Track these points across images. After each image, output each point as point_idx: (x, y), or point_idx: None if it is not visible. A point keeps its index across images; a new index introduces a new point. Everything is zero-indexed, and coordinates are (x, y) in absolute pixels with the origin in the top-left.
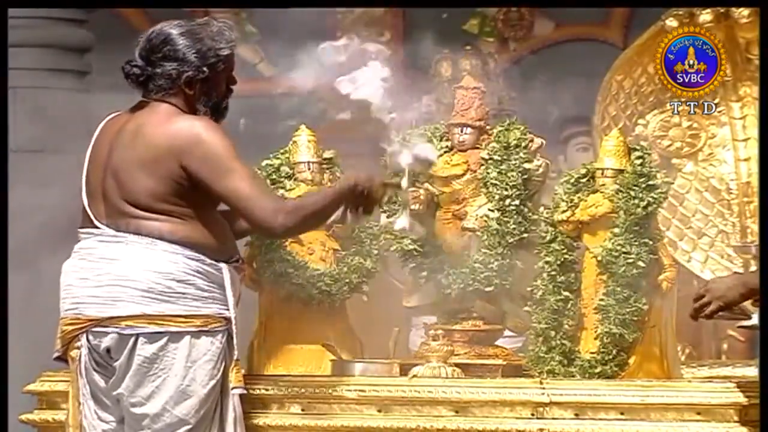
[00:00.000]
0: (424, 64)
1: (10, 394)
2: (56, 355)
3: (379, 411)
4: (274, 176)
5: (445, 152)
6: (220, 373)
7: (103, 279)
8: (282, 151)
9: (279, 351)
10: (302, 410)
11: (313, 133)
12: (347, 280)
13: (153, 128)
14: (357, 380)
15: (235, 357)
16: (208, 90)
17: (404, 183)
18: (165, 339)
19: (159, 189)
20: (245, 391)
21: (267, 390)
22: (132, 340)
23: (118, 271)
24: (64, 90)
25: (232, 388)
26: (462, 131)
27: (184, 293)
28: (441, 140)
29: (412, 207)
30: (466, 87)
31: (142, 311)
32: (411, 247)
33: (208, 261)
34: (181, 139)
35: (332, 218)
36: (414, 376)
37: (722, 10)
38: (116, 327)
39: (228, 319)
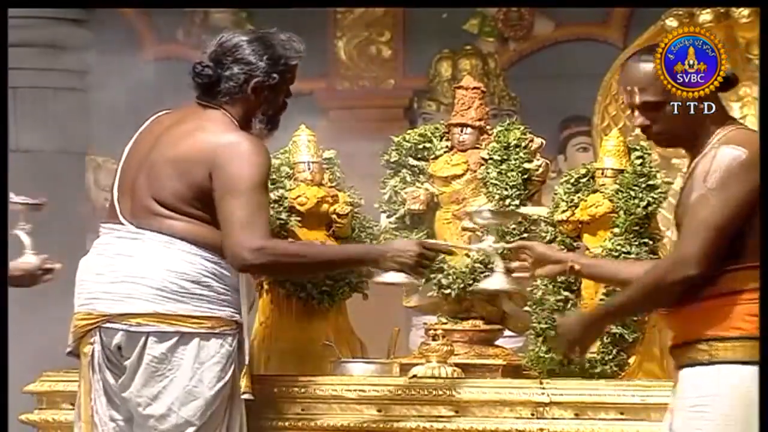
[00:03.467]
0: (424, 64)
1: (11, 394)
2: (68, 350)
3: (379, 411)
4: (274, 176)
5: (445, 152)
6: (228, 376)
7: (117, 275)
8: (282, 151)
9: (279, 351)
10: (302, 410)
11: (312, 133)
12: (347, 280)
13: (206, 134)
14: (357, 380)
15: (245, 362)
16: (271, 98)
17: (488, 241)
18: (175, 339)
19: (186, 191)
20: (252, 398)
21: (267, 390)
22: (143, 339)
23: (133, 268)
24: (64, 90)
25: (242, 394)
26: (462, 131)
27: (197, 294)
28: (441, 140)
29: (412, 207)
30: (466, 87)
31: (153, 309)
32: None
33: (224, 264)
34: (223, 149)
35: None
36: (414, 376)
37: (722, 10)
38: (126, 324)
39: (239, 324)
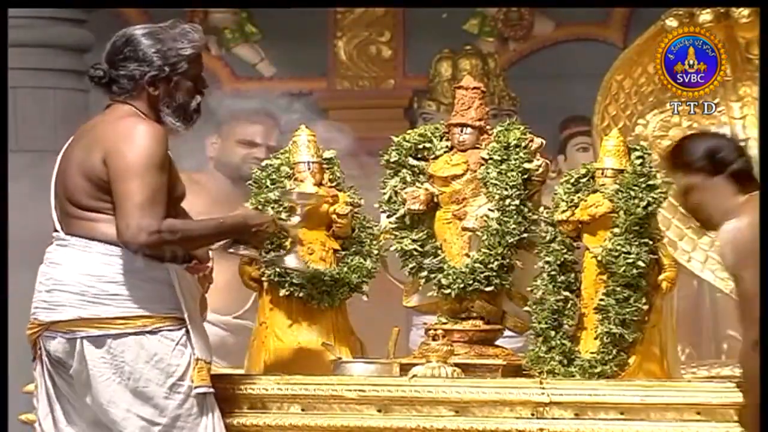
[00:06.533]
0: (424, 64)
1: (10, 394)
2: (33, 357)
3: (379, 411)
4: (274, 176)
5: (445, 152)
6: (180, 372)
7: (48, 284)
8: (282, 151)
9: (279, 351)
10: (302, 410)
11: (312, 133)
12: (347, 280)
13: (104, 125)
14: (357, 380)
15: (195, 356)
16: (171, 91)
17: (295, 220)
18: (108, 341)
19: (85, 185)
20: (210, 390)
21: (267, 390)
22: (78, 345)
23: (58, 276)
24: (64, 90)
25: (195, 387)
26: (462, 131)
27: (119, 295)
28: (441, 140)
29: (412, 207)
30: (466, 87)
31: (78, 315)
32: (411, 247)
33: (149, 260)
34: (115, 135)
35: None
36: (414, 376)
37: (722, 10)
38: (60, 331)
39: (180, 319)
